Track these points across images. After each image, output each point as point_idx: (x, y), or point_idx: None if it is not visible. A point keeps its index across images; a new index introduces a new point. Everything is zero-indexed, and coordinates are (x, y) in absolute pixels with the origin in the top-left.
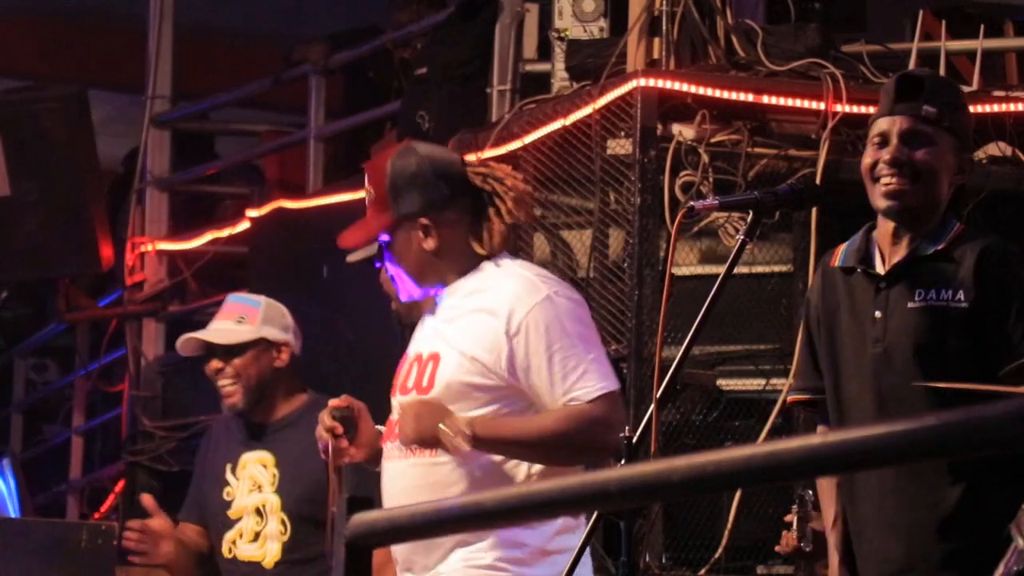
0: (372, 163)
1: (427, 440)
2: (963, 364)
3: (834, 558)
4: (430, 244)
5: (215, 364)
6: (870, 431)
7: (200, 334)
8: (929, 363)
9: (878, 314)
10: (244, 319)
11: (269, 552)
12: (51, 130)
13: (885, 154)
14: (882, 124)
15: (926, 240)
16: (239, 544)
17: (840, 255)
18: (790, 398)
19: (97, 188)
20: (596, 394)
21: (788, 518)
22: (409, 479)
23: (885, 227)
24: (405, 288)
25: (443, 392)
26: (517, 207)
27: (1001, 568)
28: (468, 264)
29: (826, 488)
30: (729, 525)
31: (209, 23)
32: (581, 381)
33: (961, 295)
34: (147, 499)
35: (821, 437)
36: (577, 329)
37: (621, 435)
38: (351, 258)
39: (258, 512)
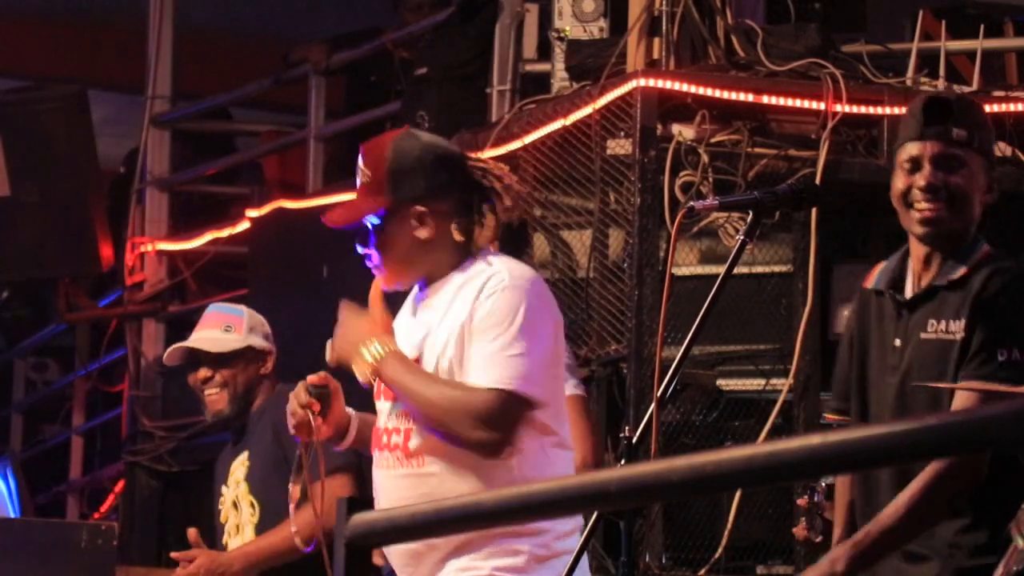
0: (370, 144)
1: (343, 358)
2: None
3: (837, 531)
4: (423, 233)
5: (203, 373)
6: (870, 431)
7: (190, 342)
8: (936, 395)
9: (898, 342)
10: (231, 328)
11: (246, 538)
12: (51, 130)
13: (919, 179)
14: (912, 149)
15: (950, 265)
16: (229, 543)
17: (875, 276)
18: (827, 415)
19: (97, 188)
20: (491, 385)
21: (800, 502)
22: (400, 490)
23: (918, 250)
24: (387, 276)
25: None
26: (513, 205)
27: (1001, 568)
28: (455, 259)
29: (842, 479)
30: (729, 525)
31: (209, 23)
32: (491, 368)
33: (959, 325)
34: (192, 533)
35: (821, 437)
36: (522, 323)
37: (498, 440)
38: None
39: (234, 505)
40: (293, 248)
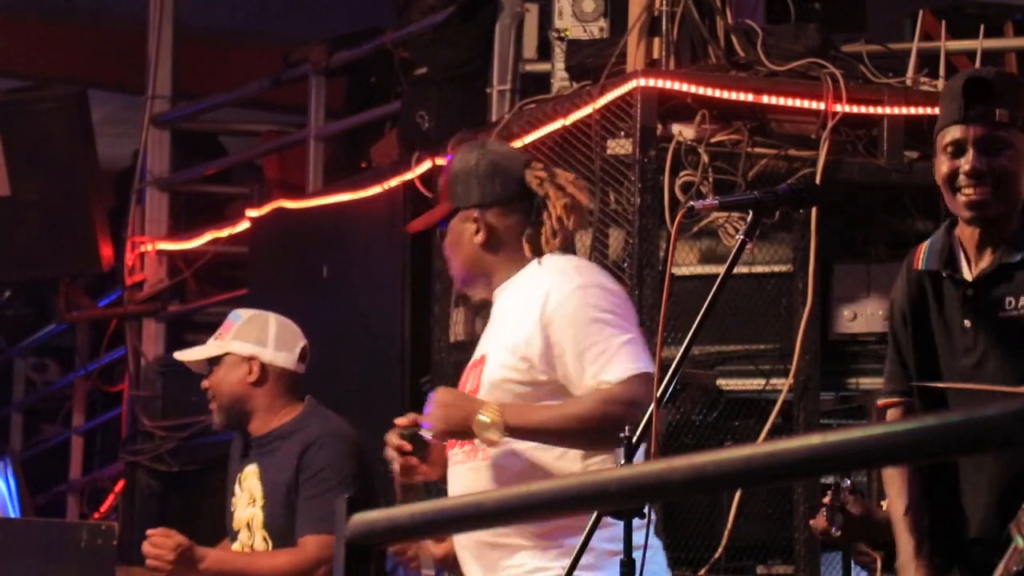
0: (451, 154)
1: (457, 431)
2: None
3: (908, 545)
4: (479, 238)
5: (204, 382)
6: (870, 431)
7: (178, 353)
8: (1017, 372)
9: (967, 323)
10: (220, 335)
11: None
12: (51, 130)
13: (964, 164)
14: (955, 132)
15: (1011, 245)
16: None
17: (923, 257)
18: (881, 401)
19: (97, 188)
20: (624, 375)
21: (825, 500)
22: (470, 482)
23: (969, 231)
24: (456, 278)
25: (488, 393)
26: (568, 215)
27: (1001, 568)
28: (516, 265)
29: (895, 478)
30: (729, 525)
31: (209, 23)
32: (610, 365)
33: None
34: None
35: (821, 437)
36: (606, 315)
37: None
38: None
39: (248, 527)
40: (293, 248)
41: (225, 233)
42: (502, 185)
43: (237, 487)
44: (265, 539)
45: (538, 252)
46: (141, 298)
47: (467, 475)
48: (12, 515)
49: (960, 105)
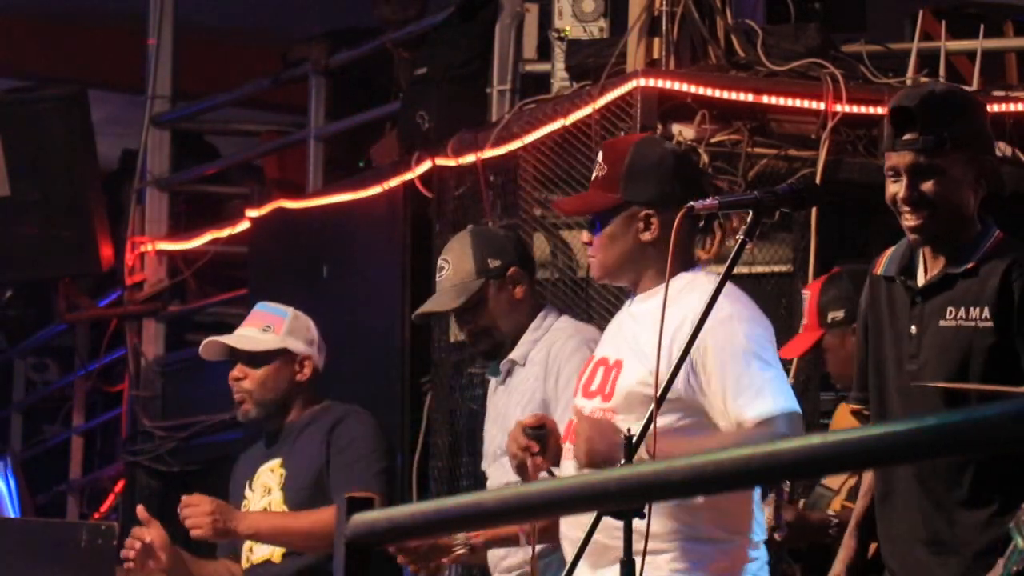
0: (614, 141)
1: (600, 465)
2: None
3: (852, 522)
4: (647, 236)
5: (236, 371)
6: (870, 431)
7: (224, 338)
8: (958, 383)
9: (914, 329)
10: (270, 328)
11: (277, 547)
12: (51, 130)
13: (900, 191)
14: (890, 159)
15: (960, 255)
16: (254, 549)
17: (884, 262)
18: (850, 406)
19: (97, 188)
20: (768, 415)
21: (764, 505)
22: None
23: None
24: (600, 269)
25: (622, 401)
26: (740, 225)
27: (1000, 567)
28: (672, 270)
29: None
30: None
31: (209, 23)
32: (757, 401)
33: (987, 312)
34: (140, 510)
35: (821, 437)
36: (755, 348)
37: None
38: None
39: (265, 512)
40: (293, 248)
41: (225, 233)
42: (681, 186)
43: (247, 489)
44: None
45: (699, 258)
46: (141, 298)
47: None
48: (12, 515)
49: (890, 133)
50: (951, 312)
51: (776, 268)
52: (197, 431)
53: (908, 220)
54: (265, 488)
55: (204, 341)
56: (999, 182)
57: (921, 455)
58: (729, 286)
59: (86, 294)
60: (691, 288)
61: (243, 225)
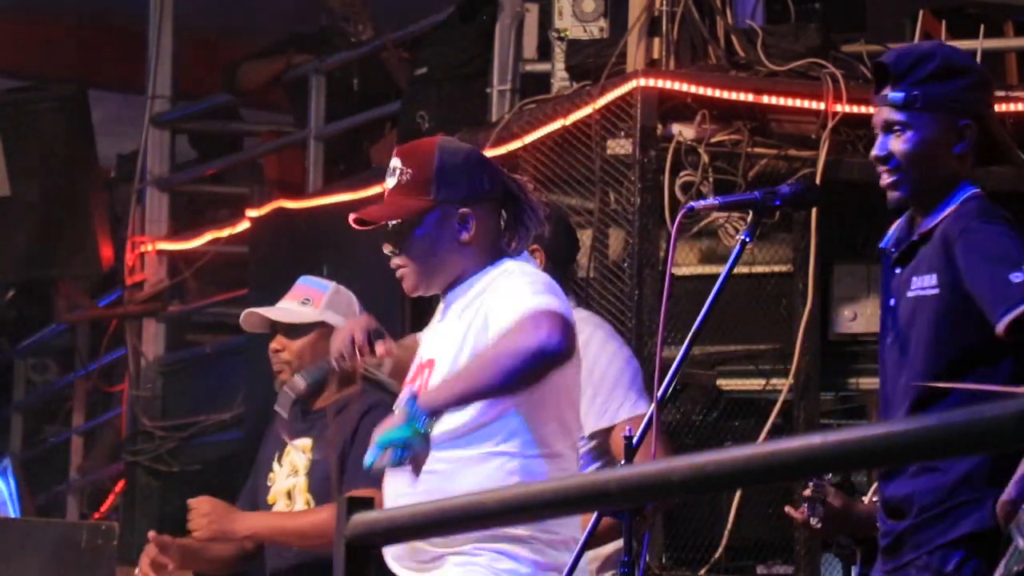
0: (410, 147)
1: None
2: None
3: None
4: (464, 237)
5: (275, 343)
6: (870, 431)
7: (263, 310)
8: (919, 356)
9: (892, 302)
10: (309, 301)
11: None
12: (51, 130)
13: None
14: (874, 115)
15: (926, 219)
16: None
17: (888, 234)
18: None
19: (97, 188)
20: (528, 308)
21: (805, 492)
22: (404, 486)
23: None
24: (415, 279)
25: None
26: (539, 212)
27: (1001, 568)
28: (484, 265)
29: None
30: (729, 525)
31: (209, 23)
32: (520, 303)
33: (934, 279)
34: (152, 535)
35: (821, 437)
36: (534, 288)
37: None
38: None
39: (288, 495)
40: (293, 248)
41: (225, 233)
42: (489, 182)
43: (276, 463)
44: (308, 503)
45: (506, 250)
46: (141, 298)
47: (402, 478)
48: (12, 515)
49: (873, 88)
50: (915, 282)
51: (776, 268)
52: (197, 431)
53: (883, 179)
54: (292, 468)
55: (244, 312)
56: (998, 153)
57: (923, 455)
58: (542, 277)
59: (86, 294)
60: (502, 275)
61: (243, 225)
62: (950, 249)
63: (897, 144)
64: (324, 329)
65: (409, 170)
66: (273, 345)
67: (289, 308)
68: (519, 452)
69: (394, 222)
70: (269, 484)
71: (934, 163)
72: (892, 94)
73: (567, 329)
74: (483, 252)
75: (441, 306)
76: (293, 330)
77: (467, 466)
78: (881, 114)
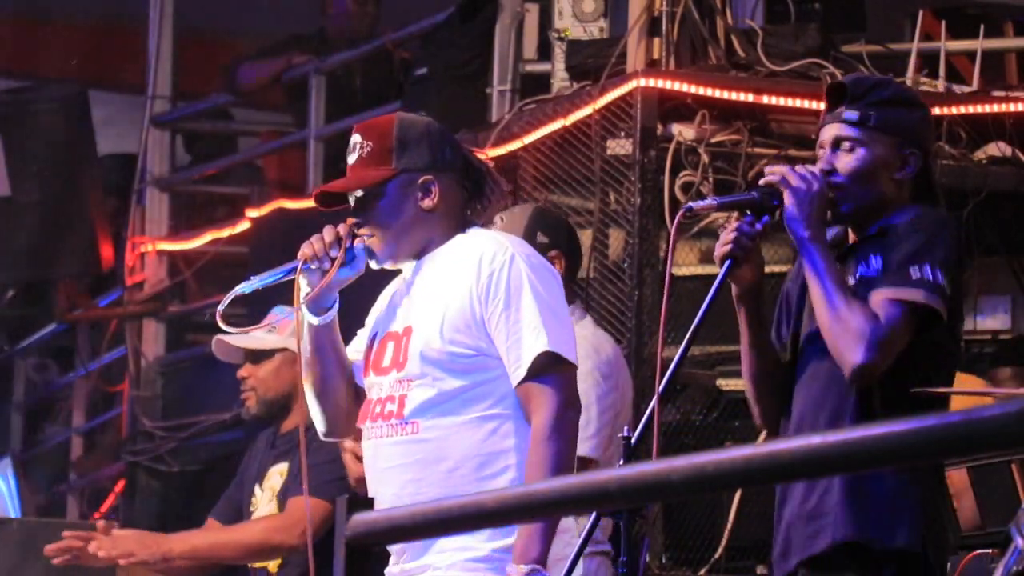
0: (369, 123)
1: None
2: None
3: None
4: (427, 203)
5: (242, 370)
6: (870, 431)
7: (227, 337)
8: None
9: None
10: (274, 328)
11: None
12: (51, 130)
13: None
14: (821, 134)
15: (862, 232)
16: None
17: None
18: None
19: (97, 188)
20: (541, 350)
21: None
22: (394, 457)
23: None
24: (381, 249)
25: (417, 365)
26: (501, 185)
27: (1001, 568)
28: (451, 233)
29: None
30: (729, 525)
31: (209, 23)
32: (539, 336)
33: (879, 261)
34: (99, 523)
35: (821, 437)
36: (540, 289)
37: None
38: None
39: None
40: (293, 248)
41: (225, 233)
42: (451, 151)
43: (258, 488)
44: None
45: (470, 220)
46: (141, 298)
47: (392, 450)
48: (12, 515)
49: (824, 111)
50: (851, 279)
51: (776, 268)
52: (197, 431)
53: None
54: (273, 493)
55: (213, 339)
56: (931, 193)
57: (922, 456)
58: (510, 237)
59: (86, 294)
60: (475, 240)
61: (243, 225)
62: (895, 231)
63: (844, 160)
64: (288, 354)
65: (369, 143)
66: (240, 372)
67: (255, 335)
68: (511, 414)
69: (358, 194)
70: (252, 510)
71: (876, 182)
72: (848, 112)
73: (572, 382)
74: (449, 220)
75: (404, 278)
76: (257, 356)
77: (459, 432)
78: (831, 131)
